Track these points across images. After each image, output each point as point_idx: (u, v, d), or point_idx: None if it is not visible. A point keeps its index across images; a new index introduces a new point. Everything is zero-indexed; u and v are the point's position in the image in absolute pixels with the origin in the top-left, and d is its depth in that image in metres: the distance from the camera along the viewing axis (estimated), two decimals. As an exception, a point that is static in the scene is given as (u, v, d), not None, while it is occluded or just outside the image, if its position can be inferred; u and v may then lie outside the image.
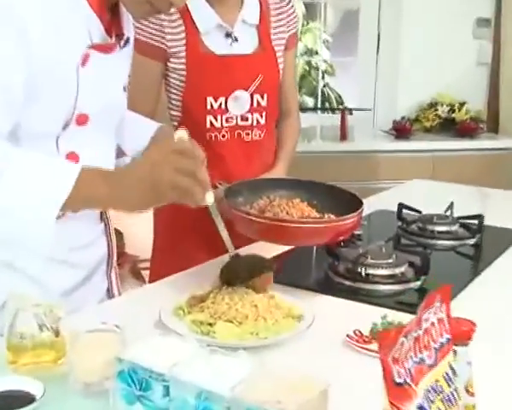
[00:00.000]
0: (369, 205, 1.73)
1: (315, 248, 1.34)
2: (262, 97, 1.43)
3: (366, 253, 1.25)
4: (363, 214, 1.27)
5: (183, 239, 1.47)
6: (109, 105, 1.04)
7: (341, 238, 1.19)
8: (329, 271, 1.26)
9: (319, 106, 4.35)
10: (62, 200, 0.84)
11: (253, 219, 1.08)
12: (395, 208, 1.61)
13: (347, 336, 0.97)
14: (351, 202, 1.22)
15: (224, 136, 1.42)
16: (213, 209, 0.98)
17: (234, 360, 0.70)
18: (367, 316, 1.04)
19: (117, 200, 0.89)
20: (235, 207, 1.13)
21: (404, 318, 0.95)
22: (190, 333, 0.94)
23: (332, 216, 1.22)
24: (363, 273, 1.21)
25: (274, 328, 0.96)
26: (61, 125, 0.96)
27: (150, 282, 1.47)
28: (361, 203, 1.20)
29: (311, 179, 1.33)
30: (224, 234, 1.01)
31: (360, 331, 0.99)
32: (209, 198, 0.92)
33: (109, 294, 1.21)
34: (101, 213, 1.22)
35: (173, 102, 1.43)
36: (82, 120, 0.99)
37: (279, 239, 1.12)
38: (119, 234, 2.80)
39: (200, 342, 0.82)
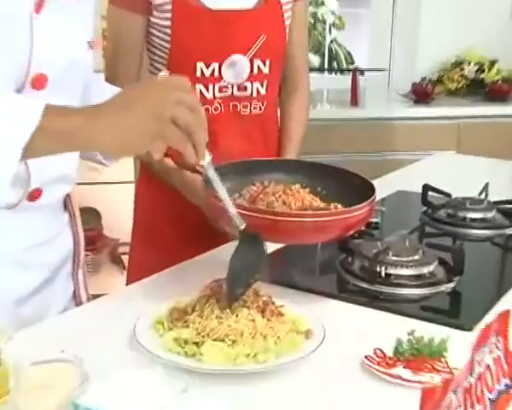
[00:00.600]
0: (387, 184, 1.71)
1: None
2: (264, 63, 1.35)
3: (387, 248, 1.19)
4: (380, 197, 1.24)
5: (166, 229, 1.42)
6: (71, 64, 0.99)
7: (350, 233, 1.13)
8: (341, 269, 1.21)
9: (326, 66, 4.22)
10: (29, 133, 0.77)
11: (241, 211, 0.98)
12: (417, 188, 1.56)
13: (366, 357, 0.91)
14: (361, 188, 1.16)
15: (216, 109, 1.35)
16: (210, 171, 0.90)
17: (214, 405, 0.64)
18: (389, 329, 1.00)
19: (97, 131, 0.81)
20: (218, 196, 1.00)
21: (437, 332, 0.94)
22: (172, 355, 0.89)
23: (339, 206, 1.16)
24: (383, 273, 1.15)
25: (276, 348, 0.90)
26: (12, 88, 0.91)
27: (128, 279, 1.45)
28: (373, 190, 1.13)
29: (314, 160, 1.27)
30: (229, 205, 0.93)
31: (381, 351, 0.93)
32: (206, 157, 0.86)
33: (76, 299, 1.17)
34: (65, 200, 1.16)
35: (156, 64, 1.35)
36: (39, 82, 0.94)
37: (274, 237, 1.03)
38: (96, 214, 2.79)
39: (185, 367, 0.82)
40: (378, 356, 0.92)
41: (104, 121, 0.81)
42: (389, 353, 0.92)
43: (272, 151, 1.44)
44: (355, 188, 1.17)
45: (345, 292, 1.15)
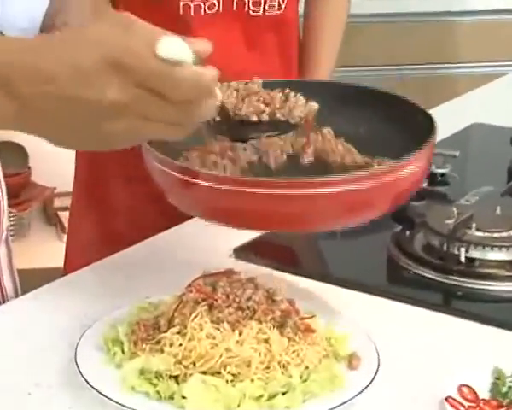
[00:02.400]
0: (454, 115, 1.71)
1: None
2: None
3: (469, 218, 1.16)
4: (446, 135, 1.26)
5: (119, 185, 1.44)
6: None
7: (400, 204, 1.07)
8: (395, 250, 1.19)
9: None
10: None
11: (212, 186, 0.93)
12: (504, 119, 1.61)
13: (447, 400, 0.87)
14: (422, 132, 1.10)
15: (212, 6, 1.36)
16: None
17: None
18: (479, 349, 0.99)
19: (30, 125, 0.82)
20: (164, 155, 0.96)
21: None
22: (135, 398, 0.85)
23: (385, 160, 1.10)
24: (463, 257, 1.13)
25: (304, 386, 0.87)
26: None
27: (67, 259, 1.50)
28: (432, 131, 1.06)
29: (341, 79, 1.24)
30: None
31: (471, 389, 0.89)
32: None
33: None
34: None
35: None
36: None
37: (270, 224, 0.97)
38: (22, 153, 2.77)
39: None
40: (466, 398, 0.88)
41: (45, 119, 0.80)
42: (483, 392, 0.89)
43: (293, 74, 1.47)
44: (415, 130, 1.12)
45: (402, 286, 1.15)
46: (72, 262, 1.43)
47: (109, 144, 0.82)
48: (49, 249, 2.55)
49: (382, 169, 1.02)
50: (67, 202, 2.36)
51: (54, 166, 2.65)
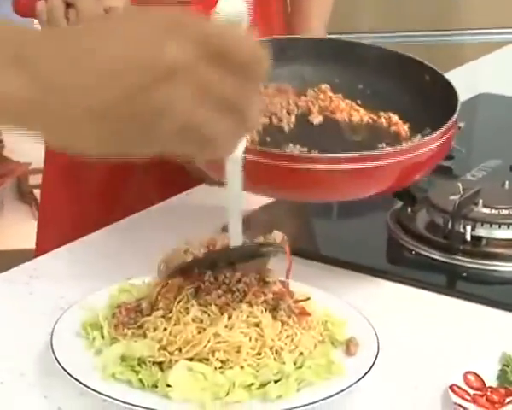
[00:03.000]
0: (460, 84, 1.67)
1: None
2: None
3: (475, 194, 1.17)
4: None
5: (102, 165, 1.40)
6: None
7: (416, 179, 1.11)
8: (396, 228, 1.20)
9: None
10: None
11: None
12: (508, 89, 1.64)
13: (451, 388, 0.87)
14: (431, 91, 1.17)
15: None
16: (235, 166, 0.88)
17: None
18: (486, 334, 1.00)
19: (48, 120, 0.71)
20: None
21: None
22: (117, 387, 0.84)
23: (395, 118, 1.16)
24: (469, 235, 1.14)
25: (298, 373, 0.86)
26: None
27: (39, 239, 1.50)
28: (454, 96, 1.13)
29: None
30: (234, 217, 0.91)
31: (477, 376, 0.90)
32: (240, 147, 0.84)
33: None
34: None
35: None
36: None
37: (279, 189, 1.05)
38: None
39: (141, 408, 0.81)
40: (472, 386, 0.89)
41: (70, 109, 0.70)
42: (490, 379, 0.90)
43: (274, 29, 1.47)
44: (421, 89, 1.17)
45: (403, 267, 1.15)
46: (44, 242, 1.43)
47: (159, 116, 0.71)
48: (23, 230, 2.53)
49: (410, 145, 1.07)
50: (40, 179, 2.39)
51: (26, 141, 2.66)
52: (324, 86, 1.20)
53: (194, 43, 0.71)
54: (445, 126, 1.07)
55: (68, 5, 1.22)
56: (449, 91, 1.14)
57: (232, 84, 0.72)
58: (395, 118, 1.15)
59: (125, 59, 0.70)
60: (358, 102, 1.19)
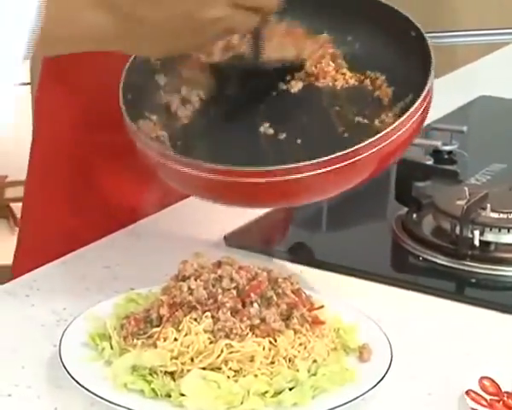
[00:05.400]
0: (458, 86, 1.74)
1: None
2: None
3: (482, 198, 1.18)
4: (452, 109, 1.30)
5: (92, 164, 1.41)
6: None
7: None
8: (401, 234, 1.22)
9: None
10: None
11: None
12: (509, 91, 1.65)
13: (467, 393, 0.88)
14: (414, 52, 1.12)
15: None
16: None
17: None
18: (499, 340, 1.01)
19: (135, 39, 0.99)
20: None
21: None
22: (129, 397, 0.86)
23: (381, 78, 1.14)
24: (477, 240, 1.15)
25: (312, 381, 0.88)
26: None
27: (20, 248, 1.48)
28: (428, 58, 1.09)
29: None
30: None
31: (493, 381, 0.90)
32: None
33: None
34: None
35: None
36: None
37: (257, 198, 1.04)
38: None
39: None
40: (488, 391, 0.89)
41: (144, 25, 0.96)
42: (506, 383, 0.90)
43: None
44: (407, 47, 1.13)
45: (410, 274, 1.18)
46: (24, 258, 1.42)
47: (203, 35, 0.97)
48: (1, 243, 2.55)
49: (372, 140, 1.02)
50: (21, 192, 2.36)
51: (5, 151, 2.65)
52: (324, 37, 1.18)
53: None
54: (416, 104, 1.04)
55: None
56: (426, 52, 1.11)
57: None
58: (381, 80, 1.14)
59: None
60: (346, 57, 1.17)
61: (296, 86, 1.15)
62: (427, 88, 1.06)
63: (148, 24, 0.97)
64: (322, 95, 1.14)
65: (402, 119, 1.02)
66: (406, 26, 1.16)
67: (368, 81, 1.14)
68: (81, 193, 1.44)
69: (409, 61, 1.12)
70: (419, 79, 1.07)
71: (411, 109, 1.03)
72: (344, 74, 1.16)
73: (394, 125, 1.01)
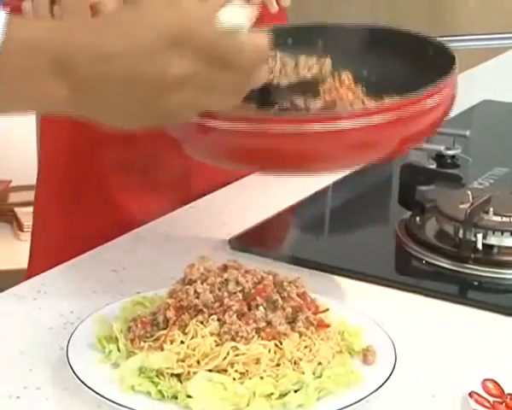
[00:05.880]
0: (461, 91, 1.67)
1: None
2: None
3: (485, 202, 1.18)
4: (455, 113, 1.20)
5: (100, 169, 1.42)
6: None
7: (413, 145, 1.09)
8: (404, 237, 1.21)
9: None
10: None
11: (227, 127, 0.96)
12: (507, 96, 1.65)
13: (471, 395, 0.88)
14: (437, 67, 1.10)
15: None
16: None
17: None
18: (502, 342, 1.01)
19: (85, 107, 0.87)
20: None
21: None
22: (136, 399, 0.86)
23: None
24: (480, 244, 1.15)
25: (317, 383, 0.88)
26: None
27: (33, 255, 1.50)
28: (452, 62, 1.06)
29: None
30: None
31: (496, 383, 0.90)
32: None
33: None
34: None
35: None
36: None
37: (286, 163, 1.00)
38: None
39: None
40: (491, 393, 0.89)
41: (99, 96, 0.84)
42: (509, 385, 0.90)
43: None
44: (427, 64, 1.12)
45: (414, 277, 1.17)
46: (38, 263, 1.43)
47: (172, 119, 0.88)
48: (3, 250, 2.53)
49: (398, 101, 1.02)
50: (25, 196, 2.36)
51: (9, 156, 2.65)
52: (346, 75, 1.16)
53: (195, 57, 0.80)
54: (446, 78, 1.02)
55: (53, 1, 1.24)
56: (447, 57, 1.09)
57: (231, 82, 0.83)
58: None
59: (136, 73, 0.81)
60: (363, 88, 1.16)
61: (315, 105, 1.13)
62: (455, 66, 1.04)
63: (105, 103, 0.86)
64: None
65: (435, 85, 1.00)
66: (425, 44, 1.16)
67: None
68: (91, 200, 1.44)
69: (426, 79, 1.09)
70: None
71: (440, 81, 1.01)
72: (362, 100, 1.15)
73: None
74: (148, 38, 0.81)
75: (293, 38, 1.21)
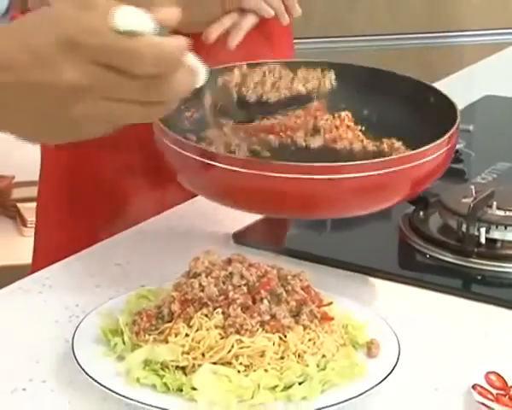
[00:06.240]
0: (464, 86, 1.74)
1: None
2: None
3: (488, 196, 1.18)
4: (460, 107, 1.19)
5: (102, 162, 1.41)
6: None
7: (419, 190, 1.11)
8: (408, 232, 1.22)
9: None
10: None
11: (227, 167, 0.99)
12: (509, 91, 1.66)
13: (475, 388, 0.88)
14: (435, 112, 1.15)
15: None
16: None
17: None
18: (505, 335, 1.01)
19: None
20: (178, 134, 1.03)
21: None
22: (141, 391, 0.86)
23: (398, 144, 1.13)
24: (483, 238, 1.15)
25: (321, 375, 0.88)
26: None
27: (37, 252, 1.51)
28: (454, 112, 1.10)
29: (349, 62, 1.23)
30: None
31: (499, 376, 0.90)
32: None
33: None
34: None
35: None
36: None
37: (280, 208, 1.03)
38: None
39: None
40: (494, 385, 0.89)
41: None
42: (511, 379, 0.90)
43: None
44: (427, 111, 1.15)
45: (418, 271, 1.17)
46: (41, 258, 1.44)
47: (80, 132, 0.81)
48: (7, 245, 2.52)
49: (402, 156, 1.05)
50: (28, 192, 2.35)
51: (11, 152, 2.64)
52: (345, 114, 1.18)
53: (91, 62, 0.76)
54: (450, 132, 1.05)
55: None
56: (450, 109, 1.12)
57: (136, 91, 0.78)
58: (398, 144, 1.14)
59: (30, 79, 0.77)
60: (362, 128, 1.18)
61: (315, 143, 1.14)
62: (458, 121, 1.08)
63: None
64: (339, 155, 1.13)
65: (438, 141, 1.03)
66: (427, 92, 1.18)
67: (385, 145, 1.14)
68: (92, 198, 1.44)
69: (425, 125, 1.12)
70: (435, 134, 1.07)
71: (445, 136, 1.04)
72: (362, 141, 1.16)
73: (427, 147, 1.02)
74: (43, 44, 0.77)
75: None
